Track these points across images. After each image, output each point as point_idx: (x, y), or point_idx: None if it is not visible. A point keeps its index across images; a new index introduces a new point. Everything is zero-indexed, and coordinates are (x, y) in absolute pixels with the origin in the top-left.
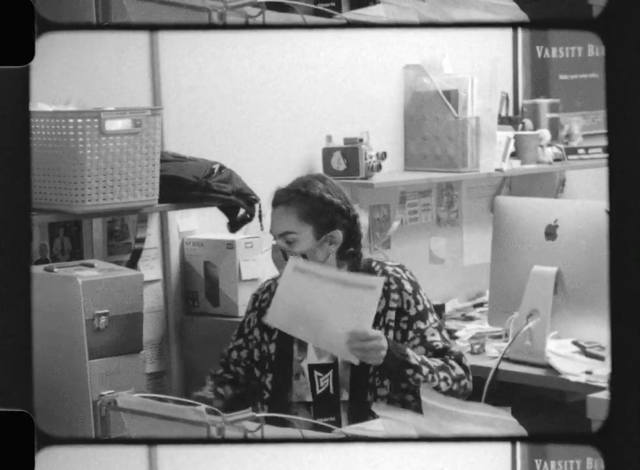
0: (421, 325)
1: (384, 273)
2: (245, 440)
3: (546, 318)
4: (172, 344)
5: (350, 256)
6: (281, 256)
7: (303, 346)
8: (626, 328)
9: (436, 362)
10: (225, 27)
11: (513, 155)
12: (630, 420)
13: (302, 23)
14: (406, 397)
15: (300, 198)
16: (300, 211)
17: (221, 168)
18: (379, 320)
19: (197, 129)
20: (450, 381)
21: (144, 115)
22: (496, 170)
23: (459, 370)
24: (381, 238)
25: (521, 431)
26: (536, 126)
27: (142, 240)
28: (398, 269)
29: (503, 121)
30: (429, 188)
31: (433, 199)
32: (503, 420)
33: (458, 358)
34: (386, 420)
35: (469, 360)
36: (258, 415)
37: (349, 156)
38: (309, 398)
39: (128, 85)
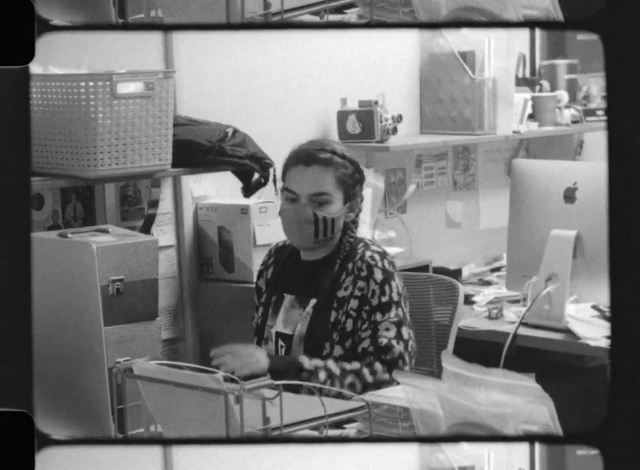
0: (378, 317)
1: (362, 256)
2: (265, 440)
3: (565, 282)
4: (187, 311)
5: (351, 226)
6: (310, 218)
7: (275, 312)
8: (626, 328)
9: (348, 366)
10: (229, 27)
11: (531, 116)
12: (630, 420)
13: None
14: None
15: (338, 161)
16: (337, 173)
17: (235, 131)
18: (342, 306)
19: (210, 92)
20: (358, 387)
21: (156, 78)
22: (513, 132)
23: (379, 376)
24: (397, 202)
25: (545, 398)
26: (554, 87)
27: (155, 205)
28: (375, 256)
29: (520, 82)
30: (445, 151)
31: (450, 162)
32: (527, 387)
33: (390, 362)
34: (407, 386)
35: (487, 325)
36: (277, 382)
37: (364, 120)
38: None
39: (140, 48)
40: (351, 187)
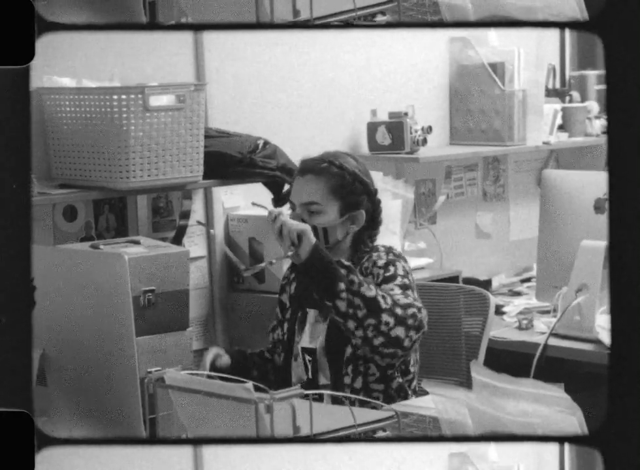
0: (386, 287)
1: (369, 257)
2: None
3: (595, 293)
4: (218, 321)
5: (365, 239)
6: None
7: (301, 327)
8: (626, 328)
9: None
10: (228, 26)
11: (561, 127)
12: (630, 420)
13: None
14: (374, 386)
15: (333, 171)
16: (330, 183)
17: (266, 143)
18: None
19: (241, 105)
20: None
21: (187, 90)
22: (543, 143)
23: (396, 311)
24: (427, 213)
25: (574, 408)
26: (584, 98)
27: (186, 216)
28: (381, 253)
29: (550, 93)
30: (475, 162)
31: (480, 173)
32: (556, 397)
33: (406, 306)
34: (436, 396)
35: (517, 336)
36: (306, 392)
37: (394, 131)
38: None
39: (172, 60)
40: (350, 197)
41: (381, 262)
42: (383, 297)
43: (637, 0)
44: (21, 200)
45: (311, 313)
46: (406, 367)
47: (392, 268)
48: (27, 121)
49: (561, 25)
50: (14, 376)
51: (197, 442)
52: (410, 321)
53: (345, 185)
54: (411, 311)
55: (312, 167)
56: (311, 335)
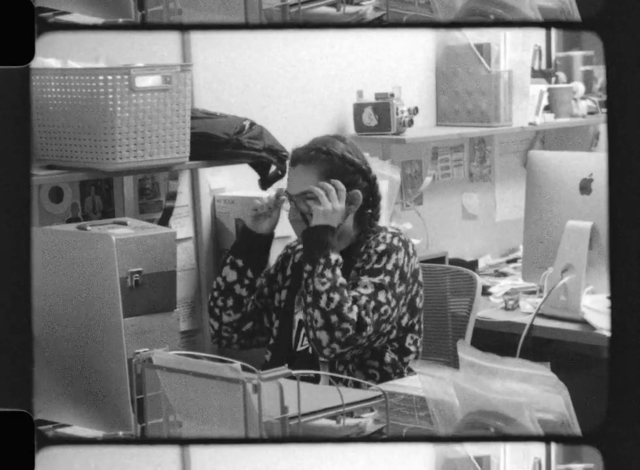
0: (364, 278)
1: (376, 236)
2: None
3: (581, 273)
4: (205, 303)
5: (368, 218)
6: (300, 218)
7: (300, 300)
8: (626, 327)
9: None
10: (246, 26)
11: (547, 108)
12: (630, 420)
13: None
14: (369, 363)
15: (321, 157)
16: (320, 170)
17: (252, 124)
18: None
19: (227, 86)
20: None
21: (173, 71)
22: (529, 124)
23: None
24: (413, 194)
25: (560, 387)
26: (570, 79)
27: (173, 198)
28: (387, 235)
29: (536, 74)
30: (461, 143)
31: (466, 154)
32: (542, 376)
33: (344, 319)
34: (423, 376)
35: (503, 316)
36: (294, 372)
37: (381, 112)
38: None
39: (158, 41)
40: (342, 180)
41: (380, 248)
42: (329, 298)
43: (637, 0)
44: (21, 201)
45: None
46: (401, 345)
47: (384, 259)
48: (28, 121)
49: (560, 25)
50: (14, 376)
51: (199, 442)
52: (337, 333)
53: (335, 169)
54: (345, 325)
55: (301, 156)
56: None
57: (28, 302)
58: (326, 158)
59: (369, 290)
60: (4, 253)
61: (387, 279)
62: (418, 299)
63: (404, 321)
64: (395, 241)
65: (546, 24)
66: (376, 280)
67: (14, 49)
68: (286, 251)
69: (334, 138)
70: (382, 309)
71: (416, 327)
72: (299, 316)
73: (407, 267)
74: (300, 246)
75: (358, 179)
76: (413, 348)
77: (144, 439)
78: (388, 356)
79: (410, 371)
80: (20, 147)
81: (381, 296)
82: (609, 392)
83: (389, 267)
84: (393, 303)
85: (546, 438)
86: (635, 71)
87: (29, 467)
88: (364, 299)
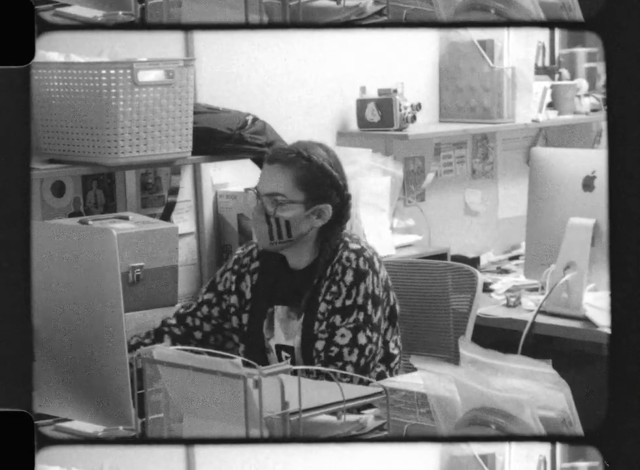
0: (337, 321)
1: (339, 258)
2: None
3: (583, 271)
4: None
5: (330, 235)
6: (263, 218)
7: (271, 324)
8: (626, 328)
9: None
10: (247, 26)
11: (550, 105)
12: (630, 420)
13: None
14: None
15: (301, 162)
16: (296, 175)
17: (255, 119)
18: (312, 308)
19: (230, 81)
20: None
21: (176, 66)
22: (532, 120)
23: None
24: (416, 190)
25: (562, 384)
26: (573, 76)
27: (175, 193)
28: (351, 256)
29: (539, 70)
30: (464, 139)
31: (468, 151)
32: (544, 373)
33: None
34: (425, 372)
35: (505, 313)
36: (294, 367)
37: (383, 108)
38: None
39: (161, 36)
40: (316, 190)
41: (348, 279)
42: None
43: (637, 0)
44: (22, 201)
45: (279, 309)
46: (385, 352)
47: (353, 292)
48: (27, 121)
49: (561, 25)
50: (13, 376)
51: (202, 442)
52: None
53: (312, 178)
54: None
55: (280, 156)
56: (286, 333)
57: (28, 302)
58: (305, 165)
59: (347, 339)
60: (3, 250)
61: (362, 315)
62: (396, 306)
63: (388, 334)
64: (361, 264)
65: (545, 24)
66: (351, 321)
67: (14, 49)
68: (238, 269)
69: (318, 146)
70: (366, 351)
71: (396, 328)
72: (274, 341)
73: (379, 288)
74: (255, 265)
75: (332, 193)
76: (396, 351)
77: (143, 439)
78: (374, 372)
79: (410, 367)
80: (20, 146)
81: (361, 338)
82: (609, 391)
83: (360, 300)
84: (375, 338)
85: (547, 439)
86: (635, 71)
87: (29, 467)
88: (343, 342)
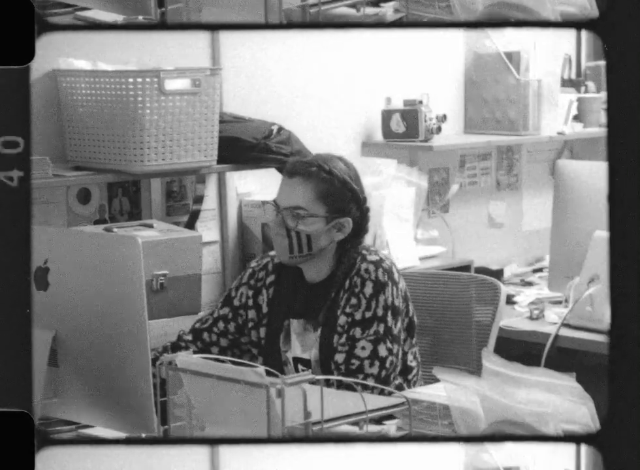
0: (357, 333)
1: (358, 271)
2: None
3: (607, 284)
4: None
5: (350, 248)
6: (284, 232)
7: (287, 337)
8: (626, 327)
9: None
10: (221, 26)
11: (575, 118)
12: (630, 420)
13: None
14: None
15: (322, 175)
16: (317, 188)
17: (280, 129)
18: (330, 321)
19: (256, 90)
20: None
21: (203, 75)
22: (558, 133)
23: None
24: (440, 202)
25: (586, 398)
26: (599, 88)
27: (200, 201)
28: (370, 268)
29: (565, 83)
30: (489, 151)
31: (493, 163)
32: (567, 386)
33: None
34: (448, 383)
35: (528, 326)
36: (317, 377)
37: (409, 119)
38: None
39: (188, 44)
40: (337, 204)
41: (367, 291)
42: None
43: (637, 1)
44: (21, 202)
45: (295, 322)
46: (404, 364)
47: (373, 304)
48: (28, 121)
49: (563, 25)
50: (14, 376)
51: (200, 442)
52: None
53: (333, 192)
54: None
55: (301, 170)
56: (303, 345)
57: (28, 302)
58: (327, 178)
59: (368, 351)
60: (3, 251)
61: (382, 327)
62: (414, 317)
63: (406, 346)
64: (380, 275)
65: (546, 24)
66: (371, 333)
67: (14, 49)
68: (254, 284)
69: (338, 159)
70: (387, 363)
71: (414, 340)
72: (290, 354)
73: (398, 299)
74: (271, 278)
75: (353, 207)
76: (414, 364)
77: (148, 440)
78: (392, 385)
79: (433, 378)
80: (21, 147)
81: (382, 350)
82: (610, 393)
83: (380, 312)
84: (395, 349)
85: (546, 438)
86: (636, 71)
87: (29, 467)
88: (364, 354)
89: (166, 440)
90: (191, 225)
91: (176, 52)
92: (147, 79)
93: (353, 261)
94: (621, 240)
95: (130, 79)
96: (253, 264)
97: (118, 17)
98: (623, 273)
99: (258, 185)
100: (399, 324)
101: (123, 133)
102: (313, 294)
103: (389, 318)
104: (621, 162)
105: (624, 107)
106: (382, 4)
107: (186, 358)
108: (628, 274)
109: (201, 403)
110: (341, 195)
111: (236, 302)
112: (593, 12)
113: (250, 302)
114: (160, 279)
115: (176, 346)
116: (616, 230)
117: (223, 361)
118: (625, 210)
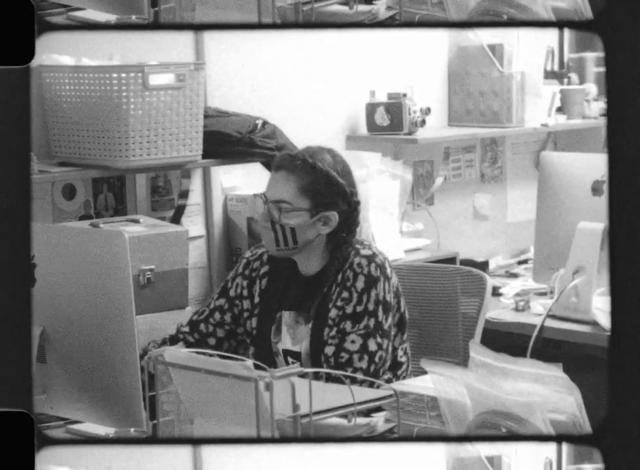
0: (348, 327)
1: (351, 264)
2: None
3: (592, 275)
4: None
5: (340, 242)
6: (269, 225)
7: (278, 329)
8: (627, 328)
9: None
10: (211, 26)
11: (559, 109)
12: (630, 420)
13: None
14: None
15: (305, 169)
16: (301, 182)
17: (265, 123)
18: (322, 314)
19: (240, 84)
20: None
21: (187, 69)
22: (542, 125)
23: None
24: (425, 194)
25: (572, 388)
26: (582, 80)
27: (185, 196)
28: (363, 262)
29: (548, 75)
30: (473, 144)
31: (477, 155)
32: (554, 376)
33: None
34: (435, 375)
35: (514, 317)
36: (306, 370)
37: (393, 112)
38: None
39: (172, 40)
40: (321, 197)
41: (359, 285)
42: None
43: (637, 0)
44: (22, 202)
45: (287, 314)
46: (393, 361)
47: (364, 298)
48: (27, 121)
49: (561, 25)
50: (14, 376)
51: (199, 442)
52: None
53: (317, 185)
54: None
55: (286, 164)
56: (293, 338)
57: (28, 302)
58: (310, 172)
59: (357, 345)
60: (4, 252)
61: (372, 321)
62: (405, 313)
63: (396, 342)
64: (372, 270)
65: (545, 24)
66: (361, 327)
67: (14, 49)
68: (249, 274)
69: (327, 152)
70: (376, 357)
71: (405, 336)
72: (281, 346)
73: (389, 295)
74: (265, 269)
75: (338, 200)
76: (404, 359)
77: (144, 439)
78: (382, 379)
79: (420, 370)
80: (20, 147)
81: (371, 345)
82: (610, 392)
83: (371, 306)
84: (385, 344)
85: (547, 438)
86: (636, 71)
87: (29, 467)
88: (353, 348)
89: (163, 440)
90: (176, 220)
91: (160, 47)
92: (132, 75)
93: (347, 255)
94: (620, 232)
95: (115, 75)
96: (247, 254)
97: (111, 17)
98: (622, 262)
99: (244, 180)
100: (390, 319)
101: (108, 128)
102: (306, 287)
103: (380, 313)
104: (621, 159)
105: (624, 107)
106: (374, 1)
107: (174, 352)
108: (628, 264)
109: (190, 396)
110: (325, 189)
111: (232, 293)
112: (584, 7)
113: (245, 292)
114: (147, 274)
115: (174, 339)
116: (614, 223)
117: (211, 355)
118: (624, 203)
